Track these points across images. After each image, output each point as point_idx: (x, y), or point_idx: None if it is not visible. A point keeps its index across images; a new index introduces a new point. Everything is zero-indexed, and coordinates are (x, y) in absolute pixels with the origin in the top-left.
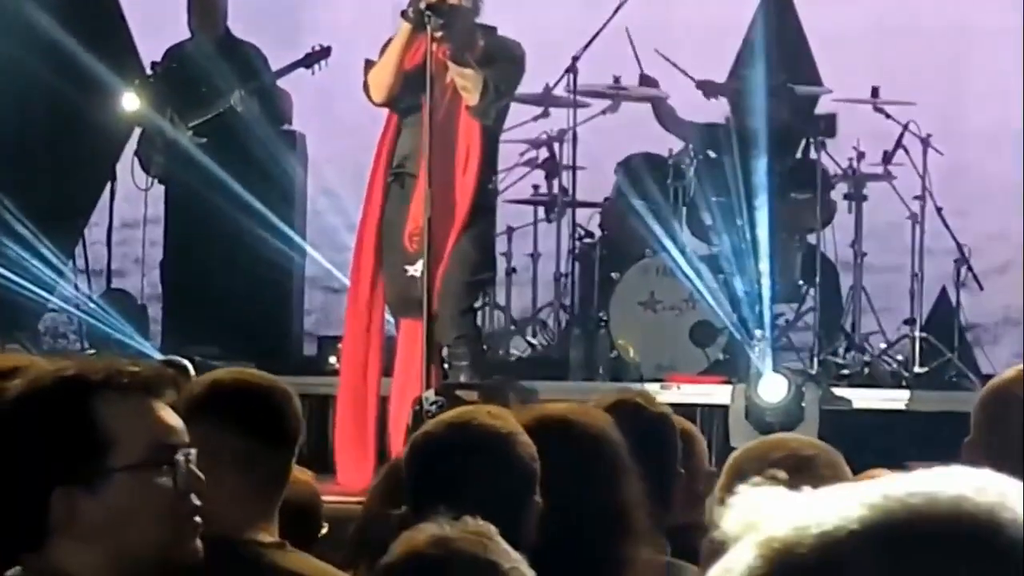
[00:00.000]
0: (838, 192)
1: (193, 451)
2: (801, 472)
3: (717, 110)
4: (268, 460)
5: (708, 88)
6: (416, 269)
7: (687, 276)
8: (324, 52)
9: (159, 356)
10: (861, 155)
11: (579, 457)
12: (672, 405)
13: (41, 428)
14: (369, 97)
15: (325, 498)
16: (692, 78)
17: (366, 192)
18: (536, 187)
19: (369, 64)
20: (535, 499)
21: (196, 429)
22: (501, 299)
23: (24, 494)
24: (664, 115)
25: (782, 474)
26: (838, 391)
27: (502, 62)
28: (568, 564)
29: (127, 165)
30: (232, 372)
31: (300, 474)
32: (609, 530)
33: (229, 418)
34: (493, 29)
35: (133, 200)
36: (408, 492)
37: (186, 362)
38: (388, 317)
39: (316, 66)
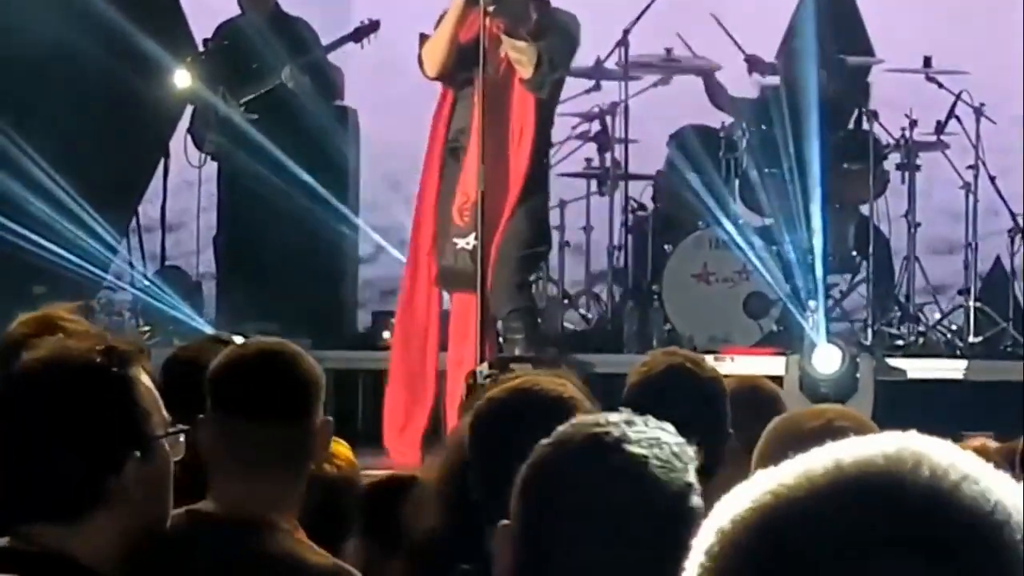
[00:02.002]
0: (891, 163)
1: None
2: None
3: (769, 81)
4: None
5: (754, 64)
6: (467, 242)
7: (740, 248)
8: (373, 26)
9: (211, 332)
10: (914, 124)
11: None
12: (726, 377)
13: (115, 398)
14: (423, 71)
15: (374, 472)
16: (742, 49)
17: (423, 167)
18: (588, 160)
19: (424, 38)
20: None
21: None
22: (555, 272)
23: (99, 460)
24: (715, 93)
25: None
26: (892, 362)
27: (556, 35)
28: None
29: (180, 143)
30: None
31: (339, 452)
32: None
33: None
34: (547, 2)
35: (187, 177)
36: (473, 459)
37: (238, 338)
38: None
39: (365, 40)
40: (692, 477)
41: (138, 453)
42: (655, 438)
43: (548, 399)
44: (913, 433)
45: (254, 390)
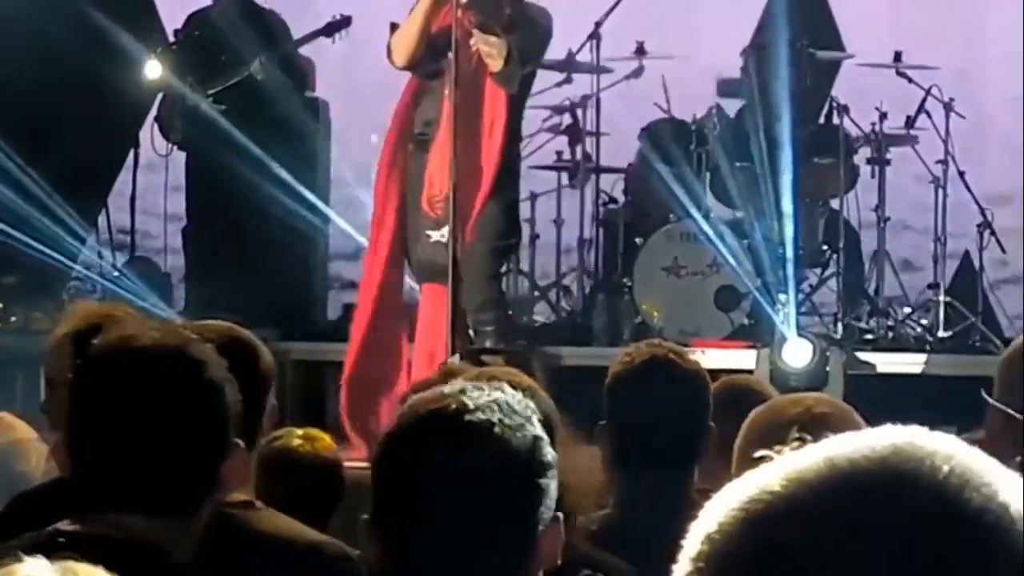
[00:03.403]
0: (861, 157)
1: None
2: (811, 430)
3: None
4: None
5: (723, 88)
6: (439, 235)
7: (711, 241)
8: (344, 21)
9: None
10: (884, 119)
11: None
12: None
13: (222, 386)
14: (391, 60)
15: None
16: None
17: (383, 157)
18: (559, 153)
19: (394, 27)
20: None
21: None
22: (525, 265)
23: (216, 451)
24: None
25: (808, 437)
26: (862, 355)
27: (528, 29)
28: None
29: (149, 132)
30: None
31: (323, 438)
32: None
33: None
34: None
35: (157, 167)
36: None
37: None
38: (412, 283)
39: (336, 35)
40: (538, 430)
41: (241, 443)
42: (493, 400)
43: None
44: (913, 428)
45: None
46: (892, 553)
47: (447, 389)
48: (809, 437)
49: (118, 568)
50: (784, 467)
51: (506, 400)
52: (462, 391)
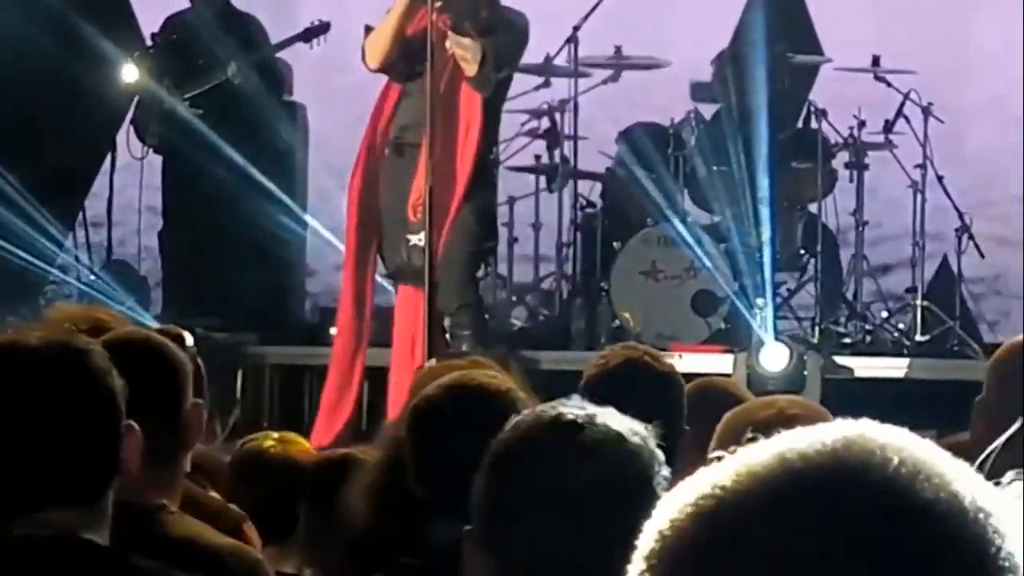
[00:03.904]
0: (839, 161)
1: None
2: (782, 431)
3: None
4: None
5: (697, 92)
6: (419, 239)
7: (688, 245)
8: (323, 27)
9: (156, 326)
10: (862, 124)
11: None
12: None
13: (108, 370)
14: (365, 62)
15: None
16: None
17: (358, 161)
18: (538, 157)
19: (368, 30)
20: None
21: None
22: (503, 269)
23: (112, 434)
24: None
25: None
26: (840, 360)
27: (503, 33)
28: None
29: (125, 136)
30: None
31: (298, 442)
32: None
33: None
34: None
35: (134, 171)
36: (410, 455)
37: (185, 333)
38: (388, 287)
39: (315, 41)
40: (656, 452)
41: (135, 424)
42: (613, 420)
43: (485, 393)
44: (864, 422)
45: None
46: (843, 546)
47: (568, 404)
48: (762, 437)
49: (59, 563)
50: (736, 463)
51: (616, 414)
52: (581, 407)
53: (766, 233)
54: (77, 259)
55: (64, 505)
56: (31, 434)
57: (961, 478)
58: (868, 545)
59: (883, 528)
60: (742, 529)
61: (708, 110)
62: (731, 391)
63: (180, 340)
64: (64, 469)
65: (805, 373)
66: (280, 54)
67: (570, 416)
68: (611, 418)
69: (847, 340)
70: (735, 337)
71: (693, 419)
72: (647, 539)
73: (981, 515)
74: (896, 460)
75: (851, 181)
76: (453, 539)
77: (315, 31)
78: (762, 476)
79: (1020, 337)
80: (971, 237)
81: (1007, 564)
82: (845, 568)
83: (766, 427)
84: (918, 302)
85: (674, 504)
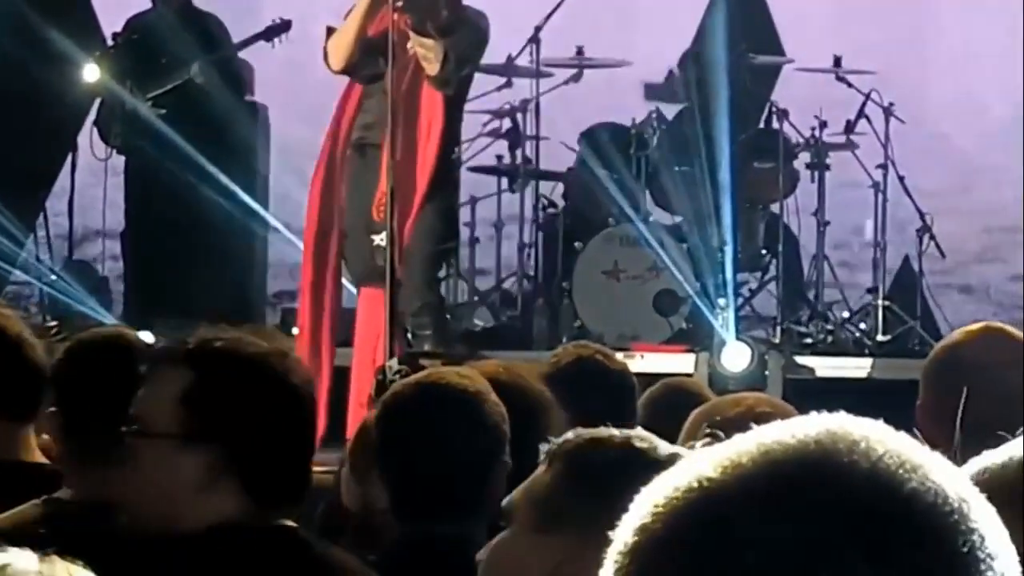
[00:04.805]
0: (800, 161)
1: None
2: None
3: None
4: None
5: (650, 92)
6: (382, 238)
7: (650, 245)
8: (284, 25)
9: (116, 326)
10: (823, 124)
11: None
12: (635, 375)
13: None
14: (328, 64)
15: None
16: None
17: (320, 161)
18: (499, 157)
19: (330, 31)
20: (505, 460)
21: None
22: (464, 269)
23: None
24: None
25: (721, 435)
26: (801, 359)
27: (465, 32)
28: None
29: (88, 137)
30: None
31: None
32: None
33: None
34: None
35: (95, 171)
36: (379, 453)
37: (144, 334)
38: (351, 287)
39: (276, 39)
40: None
41: None
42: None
43: (455, 394)
44: (842, 415)
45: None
46: (831, 535)
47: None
48: (722, 434)
49: None
50: (717, 455)
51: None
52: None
53: (728, 233)
54: (38, 259)
55: None
56: None
57: (940, 469)
58: (856, 534)
59: (870, 518)
60: (728, 520)
61: (670, 110)
62: (694, 390)
63: (139, 341)
64: None
65: (767, 373)
66: (242, 55)
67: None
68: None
69: (808, 340)
70: (697, 337)
71: (658, 419)
72: (626, 533)
73: (963, 505)
74: (880, 451)
75: (812, 181)
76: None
77: (276, 29)
78: (747, 468)
79: (952, 336)
80: (932, 237)
81: (987, 553)
82: (834, 557)
83: (734, 425)
84: (879, 302)
85: (655, 497)
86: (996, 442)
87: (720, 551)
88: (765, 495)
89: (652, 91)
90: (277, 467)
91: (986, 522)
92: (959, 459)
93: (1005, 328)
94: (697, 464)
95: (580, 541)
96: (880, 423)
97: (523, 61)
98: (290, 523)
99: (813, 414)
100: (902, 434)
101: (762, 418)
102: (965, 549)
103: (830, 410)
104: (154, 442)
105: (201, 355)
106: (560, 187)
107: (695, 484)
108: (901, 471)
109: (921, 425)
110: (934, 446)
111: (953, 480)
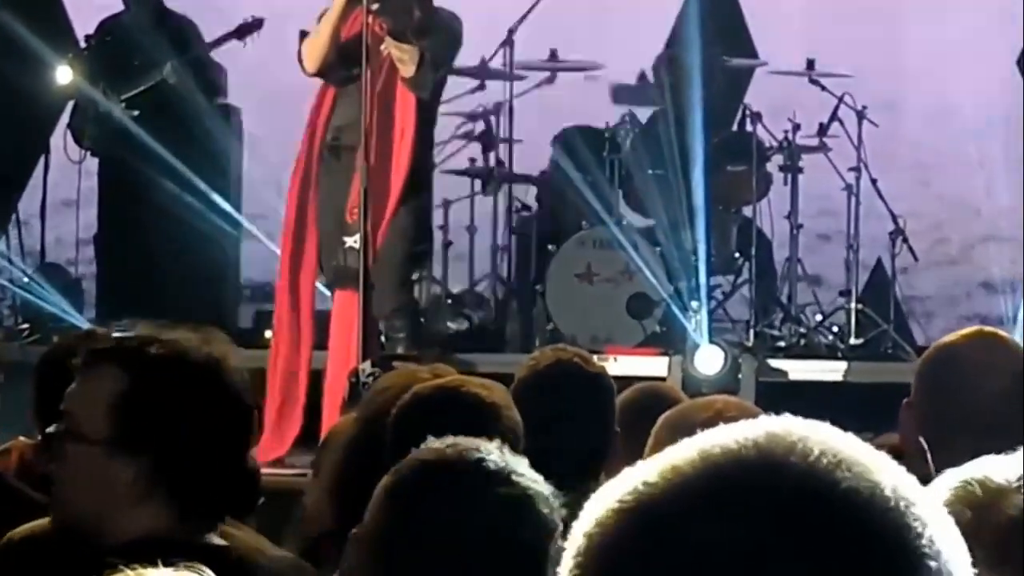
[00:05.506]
0: (773, 164)
1: None
2: None
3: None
4: None
5: (619, 95)
6: (355, 241)
7: (623, 248)
8: (257, 23)
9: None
10: (797, 127)
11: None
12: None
13: None
14: (302, 67)
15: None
16: None
17: (297, 163)
18: (473, 160)
19: (304, 35)
20: None
21: None
22: (438, 272)
23: None
24: None
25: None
26: (774, 363)
27: (439, 34)
28: None
29: (61, 139)
30: None
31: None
32: None
33: None
34: (430, 1)
35: (67, 173)
36: (391, 451)
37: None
38: (324, 290)
39: (248, 38)
40: (559, 521)
41: None
42: (534, 478)
43: (474, 403)
44: (786, 417)
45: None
46: (767, 536)
47: (487, 445)
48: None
49: None
50: (661, 461)
51: (539, 479)
52: (500, 449)
53: (701, 236)
54: (10, 261)
55: None
56: None
57: (882, 469)
58: (793, 534)
59: (807, 516)
60: (669, 524)
61: (643, 113)
62: (667, 394)
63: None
64: None
65: (740, 376)
66: (215, 57)
67: (492, 463)
68: (529, 472)
69: (782, 343)
70: (670, 340)
71: (633, 422)
72: (575, 539)
73: (902, 503)
74: (817, 451)
75: (786, 184)
76: None
77: (248, 28)
78: (686, 471)
79: (946, 338)
80: (905, 240)
81: (928, 551)
82: (771, 556)
83: (703, 428)
84: (852, 305)
85: (602, 503)
86: (988, 443)
87: (658, 553)
88: (702, 497)
89: (621, 93)
90: (210, 480)
91: (931, 518)
92: (955, 459)
93: (998, 332)
94: (643, 469)
95: None
96: (826, 424)
97: (496, 64)
98: (220, 542)
99: (763, 417)
100: (849, 435)
101: (731, 422)
102: (904, 545)
103: (803, 413)
104: (80, 446)
105: (137, 358)
106: (533, 190)
107: (640, 487)
108: (837, 470)
109: (905, 424)
110: (917, 445)
111: (893, 479)
